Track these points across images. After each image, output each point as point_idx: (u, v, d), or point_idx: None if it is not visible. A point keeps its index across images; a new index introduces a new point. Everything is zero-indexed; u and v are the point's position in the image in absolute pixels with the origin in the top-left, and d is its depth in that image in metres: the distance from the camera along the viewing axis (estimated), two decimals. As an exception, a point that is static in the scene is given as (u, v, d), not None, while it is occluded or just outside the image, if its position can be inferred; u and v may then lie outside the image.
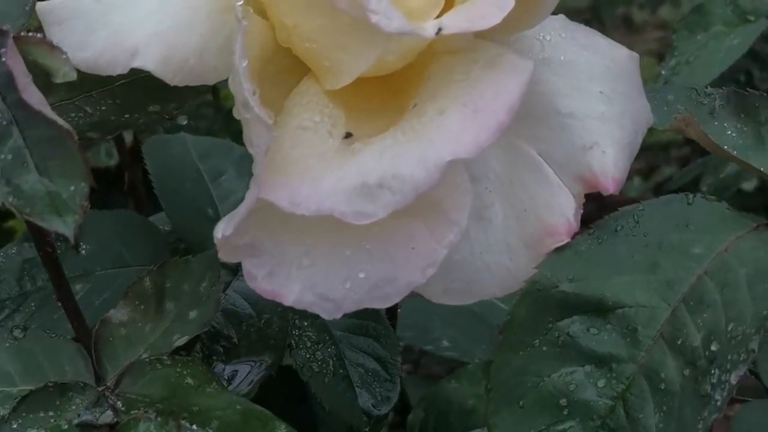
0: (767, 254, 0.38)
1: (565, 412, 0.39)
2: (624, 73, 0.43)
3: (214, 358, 0.50)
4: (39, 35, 0.35)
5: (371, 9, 0.34)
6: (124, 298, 0.45)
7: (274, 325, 0.51)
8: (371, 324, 0.54)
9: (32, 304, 0.51)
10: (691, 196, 0.41)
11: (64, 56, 0.34)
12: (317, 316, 0.54)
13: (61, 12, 0.40)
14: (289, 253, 0.38)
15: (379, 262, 0.38)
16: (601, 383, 0.39)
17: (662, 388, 0.38)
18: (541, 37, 0.43)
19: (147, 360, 0.42)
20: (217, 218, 0.56)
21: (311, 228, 0.38)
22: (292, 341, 0.52)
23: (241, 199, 0.37)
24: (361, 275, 0.38)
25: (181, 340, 0.44)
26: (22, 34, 0.34)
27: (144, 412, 0.38)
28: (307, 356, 0.52)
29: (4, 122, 0.33)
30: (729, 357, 0.37)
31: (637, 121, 0.42)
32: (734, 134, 0.43)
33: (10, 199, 0.32)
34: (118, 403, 0.39)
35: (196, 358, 0.43)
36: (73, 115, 0.44)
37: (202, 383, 0.42)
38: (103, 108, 0.44)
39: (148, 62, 0.38)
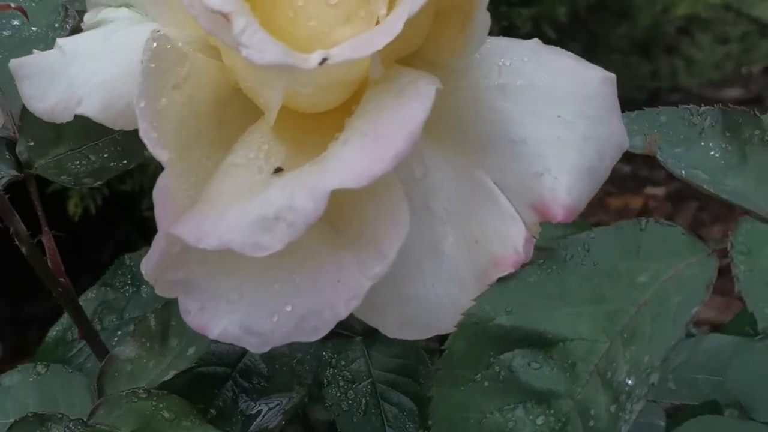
0: (705, 280, 0.35)
1: (506, 452, 0.38)
2: (594, 95, 0.41)
3: (243, 395, 0.51)
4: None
5: (241, 42, 0.35)
6: (132, 335, 0.47)
7: (306, 364, 0.52)
8: (412, 364, 0.54)
9: (95, 343, 0.55)
10: (644, 221, 0.38)
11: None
12: (358, 355, 0.55)
13: (30, 67, 0.43)
14: (220, 288, 0.39)
15: (306, 294, 0.38)
16: (539, 420, 0.37)
17: (591, 425, 0.36)
18: (501, 63, 0.41)
19: (123, 393, 0.44)
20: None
21: (243, 263, 0.39)
22: (325, 379, 0.52)
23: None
24: (288, 308, 0.38)
25: (171, 374, 0.45)
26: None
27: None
28: (338, 395, 0.52)
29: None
30: (637, 391, 0.34)
31: (603, 145, 0.40)
32: (717, 154, 0.40)
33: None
34: (78, 433, 0.41)
35: (171, 395, 0.44)
36: (77, 163, 0.47)
37: (177, 416, 0.43)
38: (105, 155, 0.47)
39: (87, 110, 0.40)
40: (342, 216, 0.39)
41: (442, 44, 0.40)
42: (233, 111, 0.42)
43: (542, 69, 0.41)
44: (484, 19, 0.38)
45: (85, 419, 0.43)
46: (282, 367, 0.52)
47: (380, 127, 0.36)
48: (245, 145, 0.40)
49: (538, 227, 0.40)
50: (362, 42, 0.35)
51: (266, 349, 0.39)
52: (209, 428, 0.43)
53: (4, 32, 0.48)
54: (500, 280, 0.39)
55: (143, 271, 0.39)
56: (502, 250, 0.39)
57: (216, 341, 0.51)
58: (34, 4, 0.48)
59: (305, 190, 0.36)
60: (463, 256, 0.40)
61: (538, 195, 0.39)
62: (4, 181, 0.46)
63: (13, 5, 0.42)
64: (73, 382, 0.47)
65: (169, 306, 0.48)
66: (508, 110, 0.40)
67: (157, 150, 0.36)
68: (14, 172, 0.47)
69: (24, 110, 0.47)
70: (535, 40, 0.43)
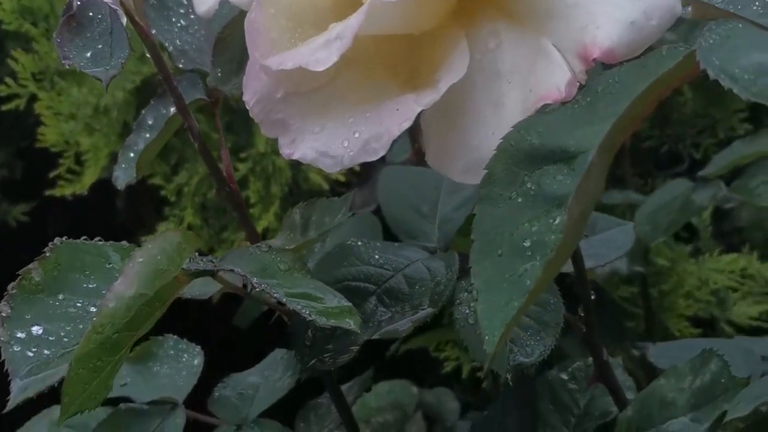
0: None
1: (528, 253, 0.41)
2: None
3: (383, 307, 0.57)
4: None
5: None
6: (281, 229, 0.55)
7: (441, 285, 0.57)
8: (544, 295, 0.57)
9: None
10: (665, 48, 0.42)
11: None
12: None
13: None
14: (309, 124, 0.47)
15: (371, 123, 0.45)
16: (557, 220, 0.41)
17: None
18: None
19: (249, 247, 0.51)
20: (430, 214, 0.64)
21: (327, 103, 0.47)
22: (458, 300, 0.57)
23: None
24: (356, 135, 0.45)
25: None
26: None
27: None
28: (467, 311, 0.56)
29: (107, 21, 0.48)
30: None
31: (652, 6, 0.44)
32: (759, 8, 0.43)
33: (86, 64, 0.46)
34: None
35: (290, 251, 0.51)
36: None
37: (291, 268, 0.50)
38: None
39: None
40: (418, 68, 0.47)
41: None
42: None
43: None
44: None
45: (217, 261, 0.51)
46: (421, 288, 0.57)
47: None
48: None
49: (584, 75, 0.44)
50: None
51: (337, 169, 0.45)
52: (316, 282, 0.50)
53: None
54: (539, 110, 0.43)
55: (251, 112, 0.47)
56: (546, 88, 0.44)
57: (369, 264, 0.59)
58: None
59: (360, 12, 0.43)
60: (518, 106, 0.45)
61: (581, 44, 0.44)
62: (194, 97, 0.57)
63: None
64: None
65: (312, 204, 0.55)
66: (570, -16, 0.46)
67: None
68: (204, 97, 0.58)
69: (215, 49, 0.58)
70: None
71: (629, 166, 1.14)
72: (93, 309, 0.43)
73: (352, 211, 0.65)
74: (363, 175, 1.02)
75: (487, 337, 0.40)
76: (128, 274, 0.41)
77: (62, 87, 1.07)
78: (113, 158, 1.09)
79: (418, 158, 0.76)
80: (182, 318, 0.76)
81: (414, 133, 0.77)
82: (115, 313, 0.41)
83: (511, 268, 0.41)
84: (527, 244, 0.41)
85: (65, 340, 0.43)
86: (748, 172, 0.88)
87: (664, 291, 1.13)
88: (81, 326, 0.43)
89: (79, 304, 0.44)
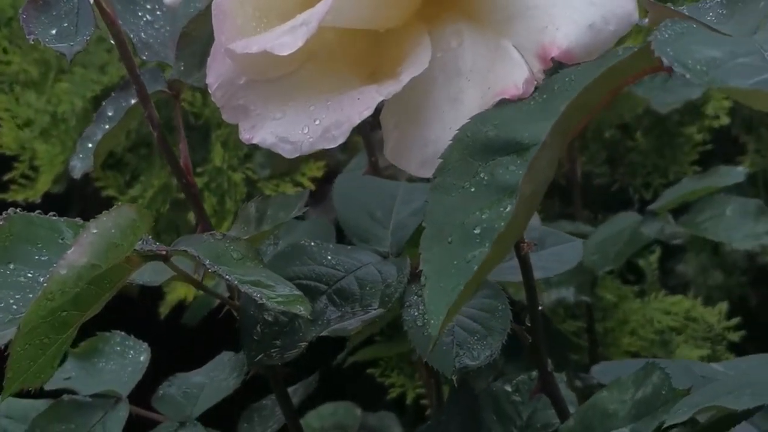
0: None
1: (477, 240, 0.42)
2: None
3: (333, 307, 0.57)
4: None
5: None
6: (235, 221, 0.56)
7: (392, 288, 0.57)
8: (493, 302, 0.57)
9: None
10: (621, 49, 0.43)
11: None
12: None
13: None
14: (269, 111, 0.47)
15: (332, 111, 0.46)
16: (508, 208, 0.41)
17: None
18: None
19: (202, 235, 0.51)
20: (384, 219, 0.64)
21: (291, 92, 0.47)
22: (407, 302, 0.57)
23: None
24: (317, 122, 0.46)
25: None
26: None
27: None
28: (416, 314, 0.56)
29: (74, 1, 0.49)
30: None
31: (609, 11, 0.45)
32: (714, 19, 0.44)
33: (50, 40, 0.47)
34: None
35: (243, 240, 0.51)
36: (211, 78, 0.57)
37: (244, 257, 0.50)
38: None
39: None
40: (381, 64, 0.48)
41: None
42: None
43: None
44: None
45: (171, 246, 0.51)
46: (372, 290, 0.58)
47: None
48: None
49: (542, 74, 0.45)
50: None
51: (296, 155, 0.46)
52: (268, 271, 0.50)
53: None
54: (497, 104, 0.44)
55: (213, 96, 0.48)
56: (504, 85, 0.45)
57: (321, 264, 0.59)
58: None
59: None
60: (476, 102, 0.46)
61: (540, 44, 0.45)
62: (156, 89, 0.58)
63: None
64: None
65: (267, 199, 0.56)
66: (531, -13, 0.47)
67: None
68: (165, 89, 0.59)
69: (179, 43, 0.59)
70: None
71: (580, 206, 1.15)
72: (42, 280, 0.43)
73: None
74: (319, 194, 1.02)
75: (432, 321, 0.41)
76: (81, 244, 0.41)
77: (20, 93, 1.07)
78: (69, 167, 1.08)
79: (375, 172, 0.77)
80: (132, 317, 0.76)
81: (370, 147, 0.78)
82: (66, 280, 0.41)
83: (460, 255, 0.42)
84: (477, 231, 0.41)
85: (14, 307, 0.43)
86: (696, 208, 0.90)
87: (608, 327, 1.14)
88: (30, 295, 0.43)
89: (29, 275, 0.44)
